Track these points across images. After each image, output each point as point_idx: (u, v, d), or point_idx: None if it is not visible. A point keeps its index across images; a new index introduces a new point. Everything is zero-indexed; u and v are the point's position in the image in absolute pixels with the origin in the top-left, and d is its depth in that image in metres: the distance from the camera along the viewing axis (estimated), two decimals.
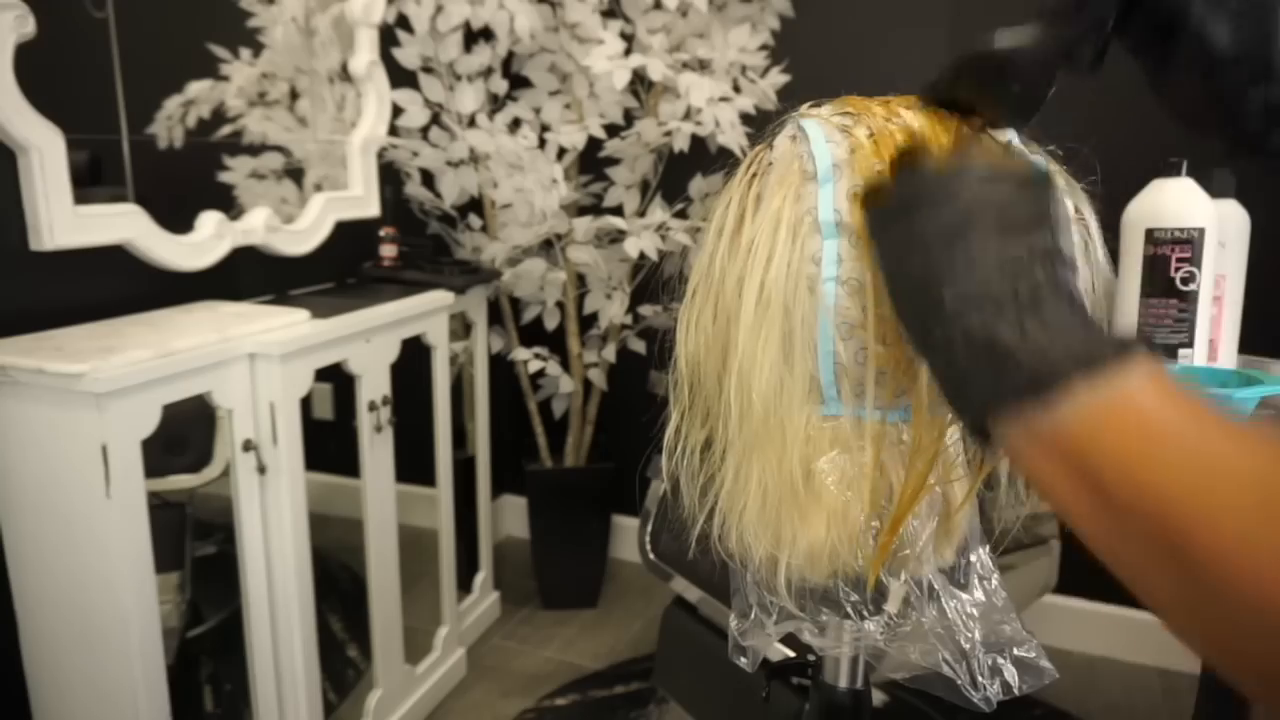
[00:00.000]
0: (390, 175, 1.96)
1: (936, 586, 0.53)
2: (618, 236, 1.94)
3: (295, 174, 1.75)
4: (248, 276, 1.60)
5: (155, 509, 1.18)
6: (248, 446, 1.30)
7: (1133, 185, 1.19)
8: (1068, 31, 0.45)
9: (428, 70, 1.93)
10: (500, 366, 2.18)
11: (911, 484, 0.50)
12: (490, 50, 1.94)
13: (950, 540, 0.54)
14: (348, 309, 1.50)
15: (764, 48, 1.94)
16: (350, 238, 1.83)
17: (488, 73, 1.97)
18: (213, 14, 1.58)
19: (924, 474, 0.50)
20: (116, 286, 1.38)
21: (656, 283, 2.06)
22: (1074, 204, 0.53)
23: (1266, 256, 1.31)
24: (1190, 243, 1.11)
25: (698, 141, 1.92)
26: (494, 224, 2.05)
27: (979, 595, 0.55)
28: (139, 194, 1.40)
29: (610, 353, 2.10)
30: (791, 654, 1.15)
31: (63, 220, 1.24)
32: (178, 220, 1.45)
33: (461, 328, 1.97)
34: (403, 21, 1.89)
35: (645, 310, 2.10)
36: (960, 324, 0.39)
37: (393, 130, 1.92)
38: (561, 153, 1.98)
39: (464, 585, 1.99)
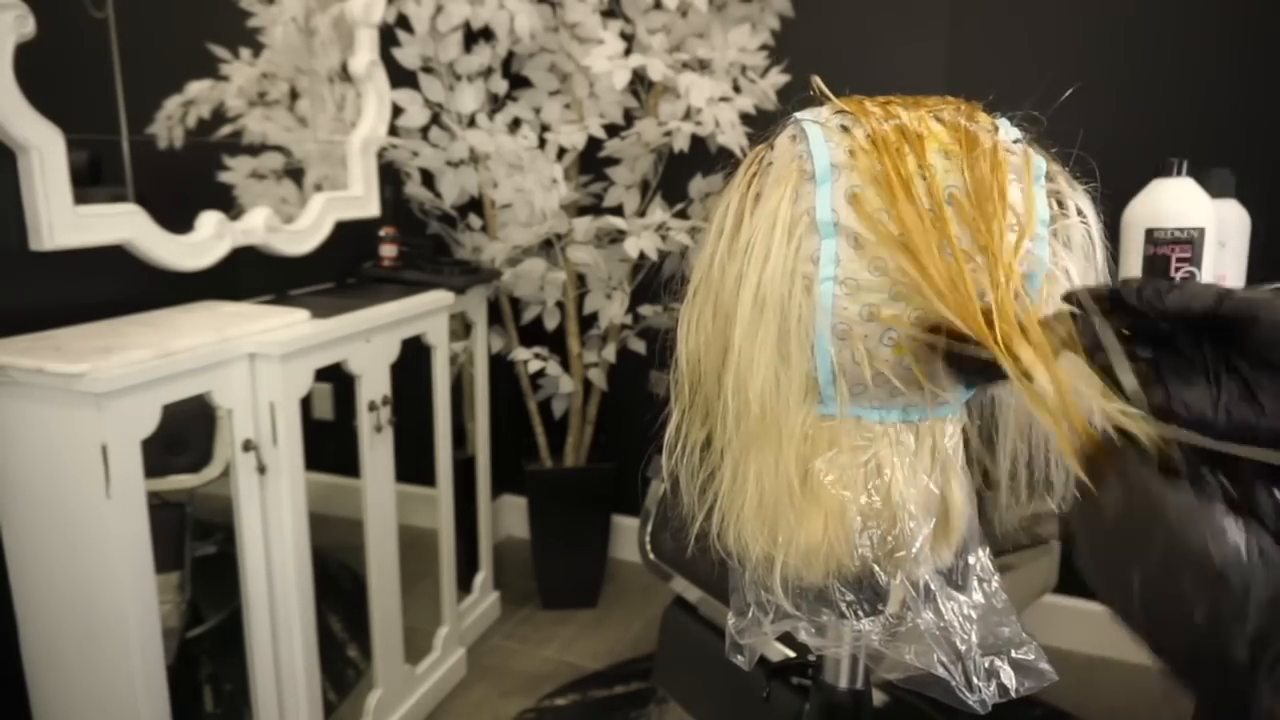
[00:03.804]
0: (390, 175, 1.96)
1: (934, 588, 0.53)
2: (618, 236, 1.94)
3: (295, 174, 1.75)
4: (248, 276, 1.60)
5: (155, 509, 1.18)
6: (248, 446, 1.30)
7: (1133, 185, 1.19)
8: None
9: (428, 70, 1.93)
10: (500, 366, 2.18)
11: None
12: (490, 50, 1.94)
13: (948, 541, 0.54)
14: (348, 309, 1.50)
15: (764, 48, 1.95)
16: (350, 238, 1.83)
17: (488, 73, 1.97)
18: (213, 14, 1.58)
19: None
20: (116, 286, 1.38)
21: (656, 283, 2.06)
22: (1076, 205, 0.53)
23: (1266, 256, 1.31)
24: (1190, 243, 1.11)
25: (698, 141, 1.92)
26: (494, 224, 2.05)
27: (977, 597, 0.54)
28: (139, 194, 1.40)
29: (610, 353, 2.10)
30: (792, 654, 1.15)
31: (62, 220, 1.24)
32: (178, 220, 1.45)
33: (461, 328, 1.97)
34: (403, 21, 1.89)
35: (645, 310, 2.10)
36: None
37: (393, 130, 1.92)
38: (561, 153, 1.98)
39: (464, 585, 1.99)
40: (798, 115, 0.53)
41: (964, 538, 0.55)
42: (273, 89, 1.69)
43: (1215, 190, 1.17)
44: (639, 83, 1.97)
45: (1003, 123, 0.52)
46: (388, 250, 1.86)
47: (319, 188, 1.79)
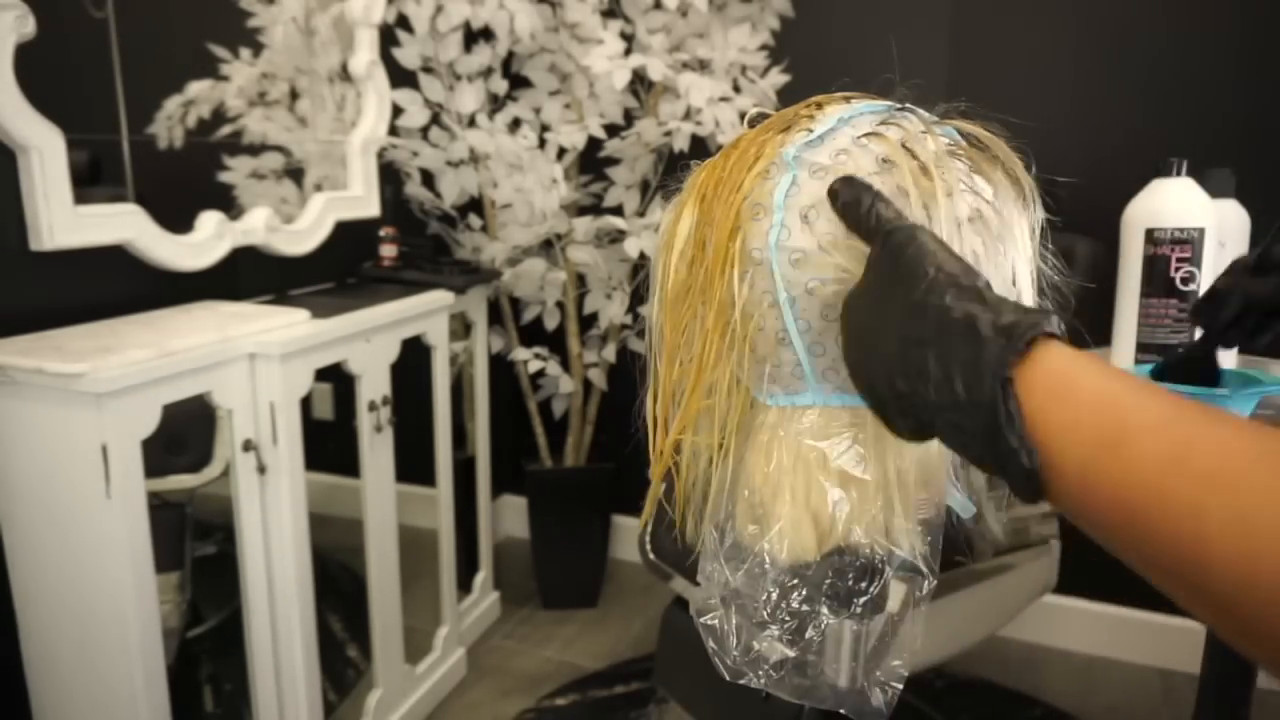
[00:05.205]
0: (390, 175, 1.96)
1: (891, 583, 0.54)
2: (618, 236, 1.94)
3: (295, 174, 1.75)
4: (248, 276, 1.60)
5: (155, 509, 1.18)
6: (248, 446, 1.30)
7: (1133, 185, 1.19)
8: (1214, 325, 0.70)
9: (428, 70, 1.93)
10: (500, 366, 2.18)
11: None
12: (490, 50, 1.94)
13: (921, 532, 0.53)
14: (348, 309, 1.50)
15: (764, 48, 1.95)
16: (350, 238, 1.83)
17: (488, 73, 1.97)
18: (213, 14, 1.58)
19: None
20: (116, 286, 1.38)
21: None
22: (1030, 225, 0.52)
23: None
24: (1190, 243, 1.11)
25: (698, 141, 1.92)
26: (494, 224, 2.05)
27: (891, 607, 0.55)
28: (139, 194, 1.40)
29: (610, 353, 2.10)
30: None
31: (62, 220, 1.25)
32: (178, 220, 1.45)
33: (461, 328, 1.97)
34: (403, 21, 1.89)
35: (645, 310, 2.10)
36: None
37: (393, 130, 1.92)
38: (561, 153, 1.98)
39: (464, 585, 1.99)
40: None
41: (937, 527, 0.54)
42: (273, 89, 1.69)
43: (1215, 190, 1.17)
44: (639, 83, 1.97)
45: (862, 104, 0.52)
46: (388, 250, 1.86)
47: (319, 188, 1.79)
